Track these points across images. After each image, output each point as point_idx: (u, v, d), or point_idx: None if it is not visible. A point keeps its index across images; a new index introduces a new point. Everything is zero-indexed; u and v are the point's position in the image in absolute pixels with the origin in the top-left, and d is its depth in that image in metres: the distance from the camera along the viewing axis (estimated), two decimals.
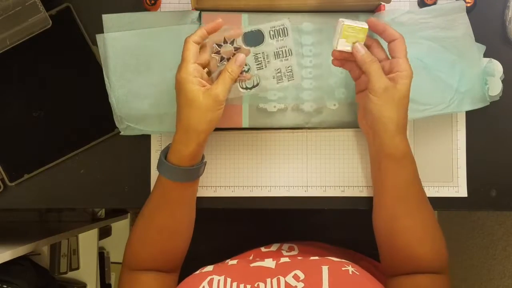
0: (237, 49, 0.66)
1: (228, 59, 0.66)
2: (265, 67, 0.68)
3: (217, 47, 0.66)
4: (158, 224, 0.69)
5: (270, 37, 0.67)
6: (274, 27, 0.67)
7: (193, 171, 0.66)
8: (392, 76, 0.63)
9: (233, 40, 0.66)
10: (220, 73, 0.65)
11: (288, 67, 0.68)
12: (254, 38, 0.68)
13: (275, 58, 0.68)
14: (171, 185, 0.66)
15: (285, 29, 0.67)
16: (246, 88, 0.68)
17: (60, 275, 1.24)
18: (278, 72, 0.68)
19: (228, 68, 0.64)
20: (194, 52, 0.63)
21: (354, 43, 0.65)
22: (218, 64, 0.66)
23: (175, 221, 0.70)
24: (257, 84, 0.69)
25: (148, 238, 0.70)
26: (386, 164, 0.66)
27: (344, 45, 0.65)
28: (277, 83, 0.68)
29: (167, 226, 0.69)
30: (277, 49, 0.68)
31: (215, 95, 0.62)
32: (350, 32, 0.65)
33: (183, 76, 0.62)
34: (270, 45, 0.67)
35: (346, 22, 0.64)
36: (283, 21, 0.67)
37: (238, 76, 0.65)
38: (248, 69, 0.67)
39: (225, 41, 0.66)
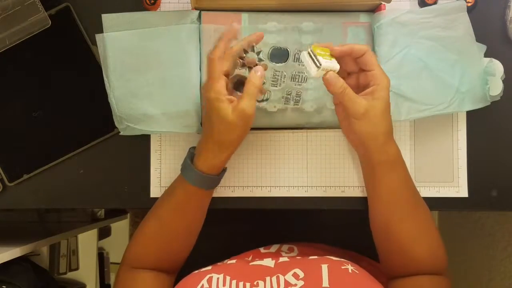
0: (260, 60, 0.66)
1: (249, 68, 0.65)
2: (279, 86, 0.69)
3: (244, 53, 0.65)
4: (170, 226, 0.70)
5: (294, 59, 0.68)
6: (300, 51, 0.68)
7: (217, 180, 0.68)
8: (369, 91, 0.63)
9: (260, 51, 0.65)
10: (237, 77, 0.65)
11: (299, 93, 0.68)
12: (279, 55, 0.69)
13: (291, 80, 0.68)
14: (195, 191, 0.67)
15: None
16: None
17: (59, 275, 1.24)
18: (288, 94, 0.69)
19: (252, 79, 0.63)
20: (219, 69, 0.63)
21: (330, 59, 0.62)
22: (239, 68, 0.65)
23: (187, 224, 0.71)
24: (267, 99, 0.70)
25: (157, 238, 0.70)
26: (379, 170, 0.66)
27: (325, 63, 0.61)
28: (284, 103, 0.70)
29: (179, 229, 0.70)
30: (296, 72, 0.68)
31: (241, 110, 0.61)
32: (322, 50, 0.62)
33: (212, 96, 0.62)
34: (291, 66, 0.68)
35: (310, 48, 0.61)
36: (304, 52, 0.64)
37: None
38: (264, 82, 0.67)
39: (252, 49, 0.65)
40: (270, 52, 0.69)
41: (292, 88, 0.69)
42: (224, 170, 0.69)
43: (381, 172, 0.66)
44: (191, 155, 0.67)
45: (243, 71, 0.66)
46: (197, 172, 0.65)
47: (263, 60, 0.66)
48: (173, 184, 0.71)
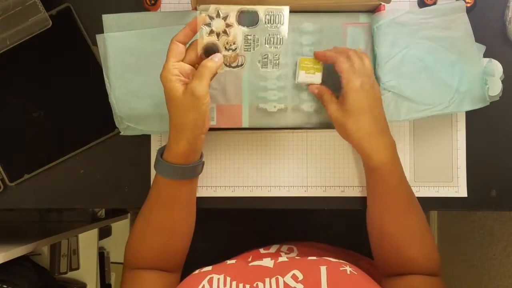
0: (228, 26, 0.64)
1: (218, 34, 0.63)
2: (253, 50, 0.66)
3: (209, 19, 0.64)
4: (155, 223, 0.69)
5: (265, 21, 0.66)
6: (271, 12, 0.65)
7: (187, 170, 0.66)
8: (342, 94, 0.67)
9: (227, 16, 0.64)
10: (207, 45, 0.63)
11: (276, 55, 0.66)
12: (249, 19, 0.66)
13: (265, 43, 0.66)
14: (166, 183, 0.67)
15: (281, 15, 0.65)
16: (230, 66, 0.66)
17: (60, 275, 1.24)
18: (265, 58, 0.67)
19: (206, 63, 0.62)
20: (176, 51, 0.62)
21: (313, 73, 0.70)
22: (207, 35, 0.64)
23: (173, 220, 0.70)
24: (241, 65, 0.67)
25: (146, 237, 0.70)
26: (367, 173, 0.69)
27: (304, 77, 0.70)
28: (262, 67, 0.67)
29: (165, 225, 0.69)
30: (269, 35, 0.66)
31: (191, 91, 0.60)
32: (306, 64, 0.70)
33: (163, 74, 0.61)
34: (263, 29, 0.66)
35: (302, 56, 0.69)
36: (282, 7, 0.64)
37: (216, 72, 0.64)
38: (236, 48, 0.65)
39: (218, 15, 0.64)
40: (238, 16, 0.65)
41: (268, 51, 0.67)
42: (200, 161, 0.68)
43: (369, 175, 0.68)
44: (164, 148, 0.67)
45: (212, 39, 0.64)
46: (163, 162, 0.65)
47: (232, 25, 0.64)
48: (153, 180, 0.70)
